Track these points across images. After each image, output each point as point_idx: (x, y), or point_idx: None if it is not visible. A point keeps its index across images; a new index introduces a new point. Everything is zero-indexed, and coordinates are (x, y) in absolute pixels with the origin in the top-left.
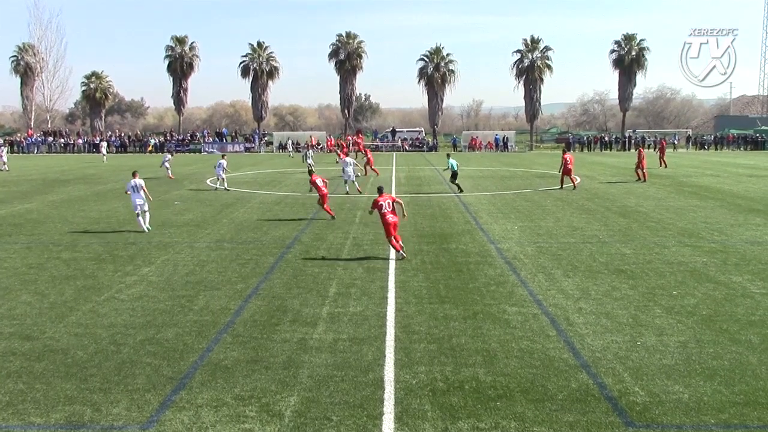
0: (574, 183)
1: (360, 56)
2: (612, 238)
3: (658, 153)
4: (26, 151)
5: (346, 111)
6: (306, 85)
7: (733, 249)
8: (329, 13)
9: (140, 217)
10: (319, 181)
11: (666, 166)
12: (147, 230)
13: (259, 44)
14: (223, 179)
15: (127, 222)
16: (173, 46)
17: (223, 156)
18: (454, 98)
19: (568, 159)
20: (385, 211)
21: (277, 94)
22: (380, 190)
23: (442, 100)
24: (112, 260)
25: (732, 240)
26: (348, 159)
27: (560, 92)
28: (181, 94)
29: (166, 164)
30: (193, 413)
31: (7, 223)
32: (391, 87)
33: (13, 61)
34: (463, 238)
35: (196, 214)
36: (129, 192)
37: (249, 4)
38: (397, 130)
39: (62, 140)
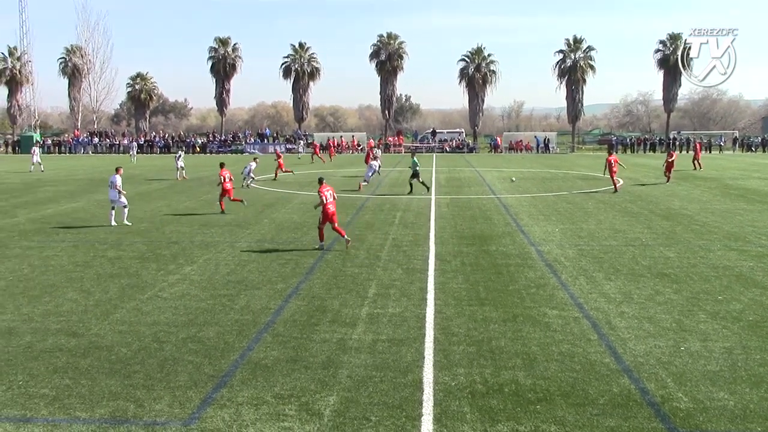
0: (615, 186)
1: (401, 57)
2: (655, 241)
3: (693, 154)
4: (73, 151)
5: (386, 112)
6: (347, 86)
7: None
8: (371, 14)
9: (113, 211)
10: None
11: (701, 168)
12: (114, 225)
13: (301, 45)
14: (248, 184)
15: (170, 221)
16: (216, 47)
17: (255, 159)
18: (495, 99)
19: (612, 161)
20: (329, 201)
21: (318, 95)
22: (321, 181)
23: (482, 101)
24: (155, 259)
25: None
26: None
27: (603, 93)
28: (224, 95)
29: (180, 163)
30: (234, 411)
31: (55, 222)
32: (431, 88)
33: (61, 63)
34: (503, 240)
35: (237, 214)
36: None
37: (291, 6)
38: (437, 131)
39: (108, 141)
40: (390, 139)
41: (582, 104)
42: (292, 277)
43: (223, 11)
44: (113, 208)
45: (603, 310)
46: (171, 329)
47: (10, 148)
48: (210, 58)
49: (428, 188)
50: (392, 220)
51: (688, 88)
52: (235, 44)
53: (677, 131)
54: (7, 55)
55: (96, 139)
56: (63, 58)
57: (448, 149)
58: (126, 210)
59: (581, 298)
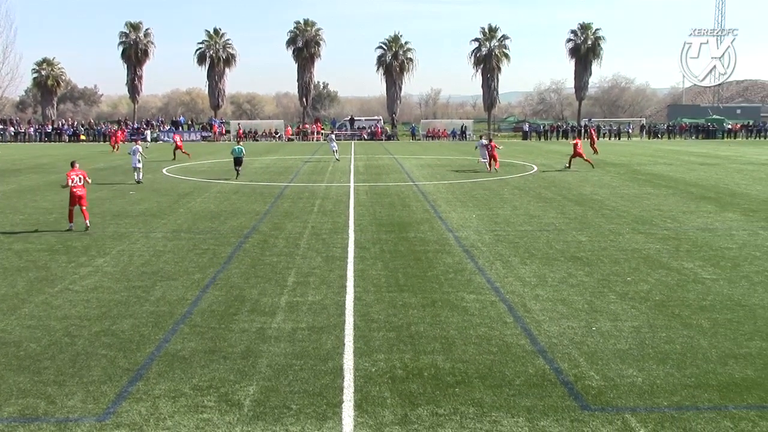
0: (591, 162)
1: (318, 44)
2: (568, 225)
3: (589, 141)
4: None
5: (304, 99)
6: (263, 73)
7: (685, 236)
8: (287, 0)
9: None
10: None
11: (596, 153)
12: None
13: (216, 31)
14: (139, 169)
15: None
16: (127, 32)
17: (136, 141)
18: (412, 87)
19: (491, 146)
20: (75, 184)
21: (234, 82)
22: (72, 164)
23: (400, 89)
24: (65, 251)
25: (684, 227)
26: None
27: (517, 81)
28: (136, 81)
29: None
30: (151, 404)
31: None
32: (349, 75)
33: None
34: (421, 227)
35: (151, 203)
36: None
37: None
38: (355, 118)
39: (12, 129)
40: (307, 126)
41: (497, 92)
42: (210, 267)
43: None
44: None
45: (518, 294)
46: (83, 323)
47: None
48: (121, 43)
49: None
50: (311, 208)
51: (598, 77)
52: (147, 29)
53: (588, 119)
54: None
55: (0, 127)
56: None
57: (366, 136)
58: None
59: (498, 282)
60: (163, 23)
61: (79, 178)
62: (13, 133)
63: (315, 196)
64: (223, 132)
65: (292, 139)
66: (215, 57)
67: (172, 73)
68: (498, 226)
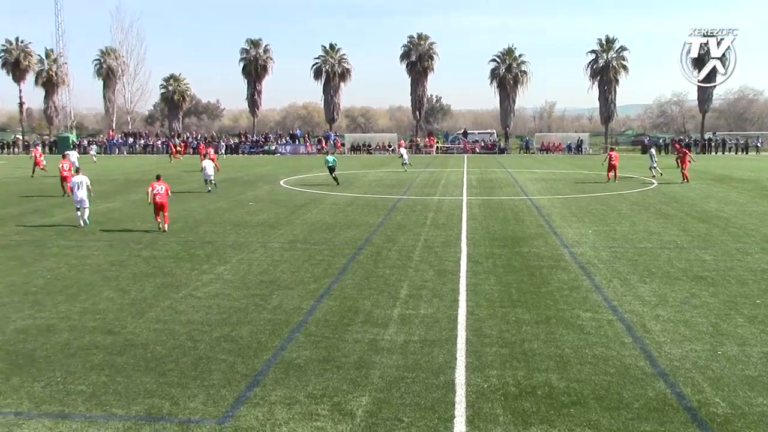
0: (613, 178)
1: (431, 57)
2: (691, 243)
3: (677, 158)
4: (108, 152)
5: (417, 112)
6: (378, 87)
7: None
8: (401, 15)
9: (79, 212)
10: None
11: (686, 179)
12: (86, 225)
13: (332, 46)
14: (211, 180)
15: (203, 222)
16: (248, 48)
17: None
18: (526, 99)
19: (613, 156)
20: (157, 192)
21: (348, 96)
22: (158, 177)
23: (514, 102)
24: (189, 258)
25: None
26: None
27: (636, 93)
28: (255, 96)
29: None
30: (267, 410)
31: (92, 222)
32: (462, 88)
33: (96, 65)
34: (535, 242)
35: (269, 214)
36: (73, 188)
37: (322, 7)
38: (468, 131)
39: (142, 141)
40: (419, 139)
41: (615, 105)
42: (324, 278)
43: (255, 13)
44: (78, 209)
45: (638, 313)
46: (205, 328)
47: (47, 149)
48: (242, 59)
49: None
50: (424, 221)
51: (723, 88)
52: (266, 46)
53: (713, 132)
54: (43, 57)
55: (131, 140)
56: (98, 59)
57: (478, 150)
58: (87, 210)
59: (615, 301)
60: (282, 39)
61: (162, 188)
62: (142, 145)
63: (428, 209)
64: (339, 145)
65: None
66: (331, 72)
67: (289, 88)
68: (616, 242)
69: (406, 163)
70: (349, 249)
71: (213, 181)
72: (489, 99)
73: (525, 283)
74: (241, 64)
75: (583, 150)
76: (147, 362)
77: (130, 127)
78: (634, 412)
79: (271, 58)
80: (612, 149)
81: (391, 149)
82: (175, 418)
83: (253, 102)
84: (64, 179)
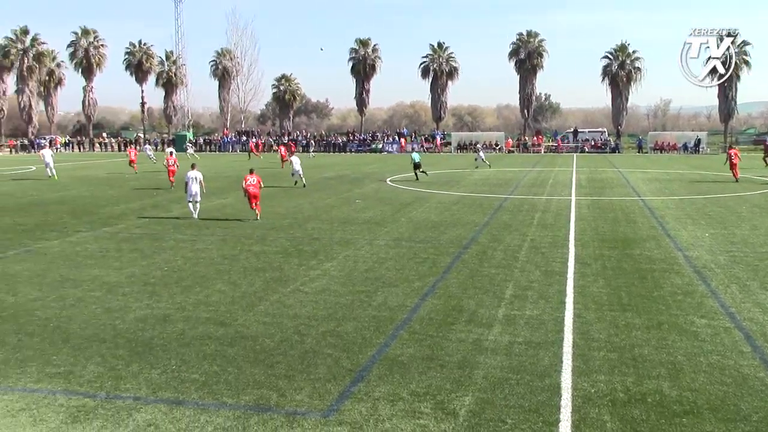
0: (735, 176)
1: (541, 55)
2: None
3: (763, 153)
4: (222, 149)
5: (525, 111)
6: (485, 86)
7: None
8: (510, 13)
9: (191, 205)
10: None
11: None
12: (196, 218)
13: (440, 45)
14: (299, 173)
15: (311, 218)
16: (357, 48)
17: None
18: (639, 97)
19: (733, 154)
20: (249, 184)
21: (455, 95)
22: (251, 171)
23: (627, 100)
24: (297, 254)
25: None
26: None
27: (759, 91)
28: (363, 95)
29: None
30: (371, 405)
31: (207, 217)
32: (572, 86)
33: (212, 66)
34: (647, 244)
35: (375, 212)
36: (187, 182)
37: (430, 6)
38: (579, 130)
39: (254, 139)
40: (527, 138)
41: (735, 102)
42: (429, 276)
43: (364, 13)
44: (190, 202)
45: (758, 321)
46: (311, 322)
47: (166, 146)
48: (351, 59)
49: (426, 173)
50: (530, 221)
51: None
52: (374, 45)
53: None
54: (164, 59)
55: (243, 138)
56: (214, 60)
57: (587, 149)
58: (198, 205)
59: (733, 308)
60: (390, 39)
61: (254, 181)
62: (312, 146)
63: (535, 209)
64: (439, 144)
65: (512, 151)
66: (438, 70)
67: (396, 87)
68: (734, 246)
69: (483, 160)
70: (454, 248)
71: (301, 176)
72: (600, 97)
73: (636, 286)
74: (350, 64)
75: (701, 150)
76: (256, 354)
77: (243, 125)
78: (752, 425)
79: (380, 58)
80: (731, 147)
81: (498, 148)
82: (282, 409)
83: (361, 101)
84: (170, 173)
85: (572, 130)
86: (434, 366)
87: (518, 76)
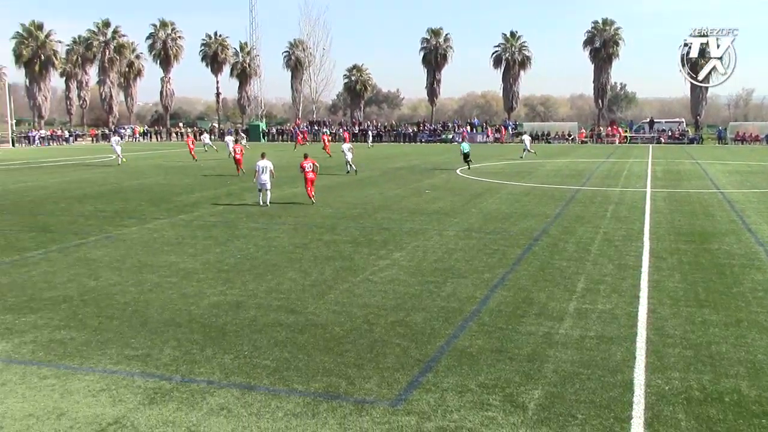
0: None
1: (617, 44)
2: None
3: None
4: (294, 139)
5: (599, 101)
6: (558, 75)
7: None
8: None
9: (261, 193)
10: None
11: None
12: (266, 205)
13: (512, 34)
14: (349, 162)
15: (381, 208)
16: (428, 38)
17: (346, 140)
18: (720, 86)
19: None
20: (307, 170)
21: (528, 84)
22: (305, 156)
23: (706, 89)
24: (367, 244)
25: None
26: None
27: None
28: (434, 85)
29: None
30: (439, 396)
31: (278, 206)
32: (648, 75)
33: (285, 56)
34: (726, 239)
35: (445, 202)
36: (257, 171)
37: None
38: (655, 120)
39: (325, 129)
40: (601, 128)
41: None
42: (499, 267)
43: (436, 2)
44: (260, 191)
45: None
46: (380, 312)
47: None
48: (422, 48)
49: (469, 165)
50: (604, 213)
51: None
52: (446, 35)
53: None
54: (238, 50)
55: (315, 128)
56: (287, 51)
57: (663, 140)
58: (269, 193)
59: None
60: (462, 28)
61: (310, 166)
62: (371, 135)
63: (608, 201)
64: (505, 131)
65: (586, 142)
66: (510, 60)
67: (468, 76)
68: None
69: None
70: (524, 239)
71: (352, 164)
72: (678, 86)
73: (713, 282)
74: (422, 54)
75: None
76: (326, 342)
77: (314, 116)
78: None
79: (451, 47)
80: None
81: (571, 138)
82: (351, 397)
83: (432, 91)
84: (237, 161)
85: (648, 120)
86: (503, 358)
87: (593, 66)
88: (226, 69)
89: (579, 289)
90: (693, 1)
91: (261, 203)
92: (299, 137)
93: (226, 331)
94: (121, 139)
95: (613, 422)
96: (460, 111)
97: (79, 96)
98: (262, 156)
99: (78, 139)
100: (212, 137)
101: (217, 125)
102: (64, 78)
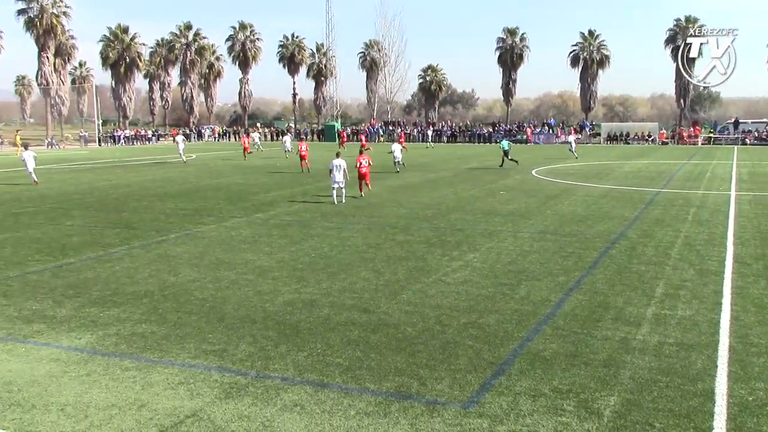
0: None
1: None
2: None
3: None
4: (369, 139)
5: (681, 101)
6: (638, 75)
7: None
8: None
9: (336, 192)
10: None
11: None
12: (341, 203)
13: (590, 33)
14: (399, 162)
15: (455, 209)
16: (504, 37)
17: (400, 141)
18: None
19: None
20: (361, 165)
21: (606, 84)
22: (360, 152)
23: None
24: (440, 245)
25: None
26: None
27: None
28: (510, 84)
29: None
30: (512, 399)
31: (352, 206)
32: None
33: (360, 57)
34: None
35: (520, 204)
36: (332, 170)
37: None
38: (740, 121)
39: (398, 129)
40: (683, 129)
41: None
42: (574, 271)
43: (511, 1)
44: (334, 189)
45: None
46: (453, 313)
47: (315, 136)
48: (498, 48)
49: (516, 162)
50: (684, 216)
51: None
52: (522, 34)
53: None
54: (315, 51)
55: (389, 128)
56: (362, 52)
57: (749, 141)
58: (344, 191)
59: None
60: (538, 27)
61: (366, 162)
62: (431, 135)
63: (689, 204)
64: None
65: (667, 143)
66: (588, 59)
67: (544, 76)
68: None
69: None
70: (601, 242)
71: (402, 163)
72: (766, 85)
73: None
74: (497, 53)
75: None
76: (398, 342)
77: (389, 116)
78: None
79: (527, 47)
80: None
81: (651, 139)
82: (423, 398)
83: (507, 91)
84: (302, 158)
85: (733, 120)
86: (578, 363)
87: (674, 64)
88: (303, 70)
89: (658, 295)
90: None
91: (336, 202)
92: (343, 139)
93: (299, 329)
94: (187, 139)
95: None
96: (536, 111)
97: (161, 97)
98: (337, 155)
99: (160, 139)
100: (291, 137)
101: (293, 126)
102: (148, 79)
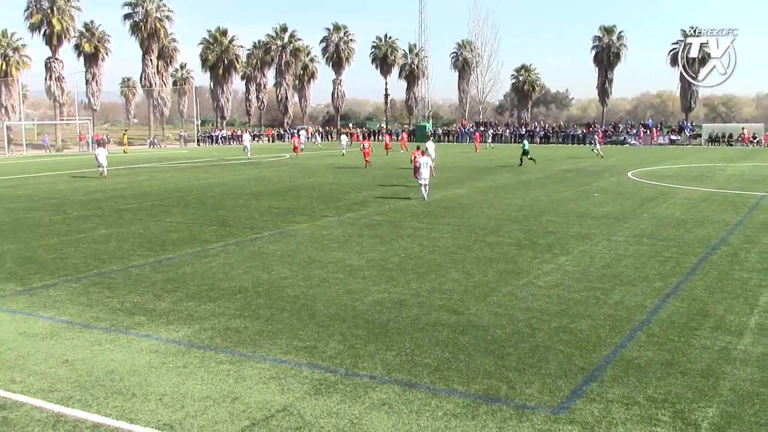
0: None
1: None
2: None
3: None
4: (460, 140)
5: None
6: (744, 73)
7: None
8: None
9: (423, 188)
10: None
11: None
12: (424, 199)
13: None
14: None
15: (547, 211)
16: (600, 36)
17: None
18: None
19: None
20: (416, 160)
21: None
22: (418, 147)
23: None
24: (531, 247)
25: None
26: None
27: None
28: (606, 84)
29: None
30: (604, 407)
31: (442, 206)
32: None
33: (452, 57)
34: None
35: (615, 206)
36: (419, 167)
37: None
38: None
39: (491, 131)
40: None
41: None
42: (671, 276)
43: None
44: (422, 185)
45: None
46: (544, 317)
47: (408, 136)
48: (594, 47)
49: (534, 161)
50: None
51: None
52: (620, 32)
53: None
54: (407, 51)
55: (482, 129)
56: (455, 52)
57: None
58: (428, 188)
59: None
60: (636, 25)
61: (423, 159)
62: (491, 135)
63: None
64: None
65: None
66: (688, 57)
67: (642, 76)
68: None
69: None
70: (701, 247)
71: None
72: None
73: None
74: (593, 53)
75: None
76: (487, 344)
77: (481, 117)
78: None
79: (625, 45)
80: None
81: (756, 141)
82: (512, 402)
83: (603, 91)
84: (365, 154)
85: None
86: (674, 372)
87: None
88: (395, 71)
89: (762, 303)
90: None
91: (424, 198)
92: (387, 143)
93: (388, 328)
94: (253, 138)
95: None
96: (633, 111)
97: (257, 98)
98: (422, 153)
99: (256, 139)
100: (378, 138)
101: (385, 126)
102: (244, 81)
